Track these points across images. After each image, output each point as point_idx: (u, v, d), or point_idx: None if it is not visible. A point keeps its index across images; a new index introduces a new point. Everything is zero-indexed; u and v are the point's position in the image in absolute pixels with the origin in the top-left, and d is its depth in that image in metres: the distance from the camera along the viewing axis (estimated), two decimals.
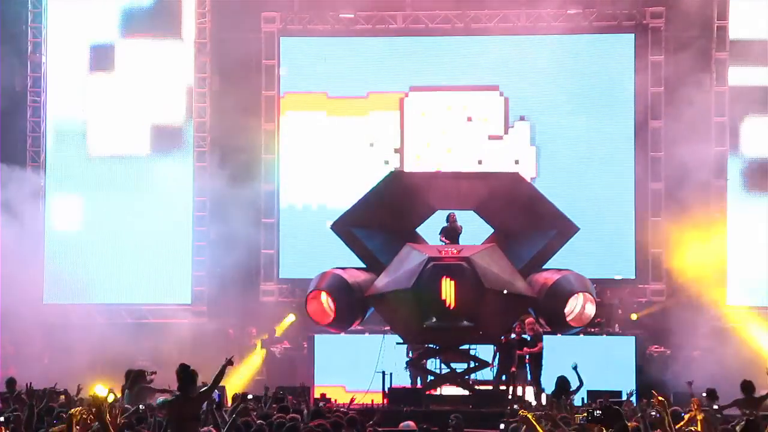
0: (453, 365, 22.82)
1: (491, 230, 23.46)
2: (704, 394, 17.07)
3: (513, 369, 22.66)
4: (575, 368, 20.39)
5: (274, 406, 15.88)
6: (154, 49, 28.38)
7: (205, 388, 12.38)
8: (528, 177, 26.32)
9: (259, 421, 13.08)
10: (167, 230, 28.00)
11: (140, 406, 13.65)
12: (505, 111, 28.25)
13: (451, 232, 23.26)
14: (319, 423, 13.10)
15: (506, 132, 28.20)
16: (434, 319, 21.28)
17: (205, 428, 12.34)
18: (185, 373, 12.39)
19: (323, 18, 28.50)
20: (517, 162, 27.84)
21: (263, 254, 28.44)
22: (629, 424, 10.70)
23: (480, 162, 28.00)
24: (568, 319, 21.84)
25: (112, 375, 23.75)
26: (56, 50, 28.58)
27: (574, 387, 20.12)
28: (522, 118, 28.11)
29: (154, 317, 27.66)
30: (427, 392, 22.49)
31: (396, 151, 28.35)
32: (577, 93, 27.81)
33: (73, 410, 10.80)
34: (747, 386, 17.37)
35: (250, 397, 16.59)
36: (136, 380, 17.89)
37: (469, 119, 28.31)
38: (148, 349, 27.12)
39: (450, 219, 23.35)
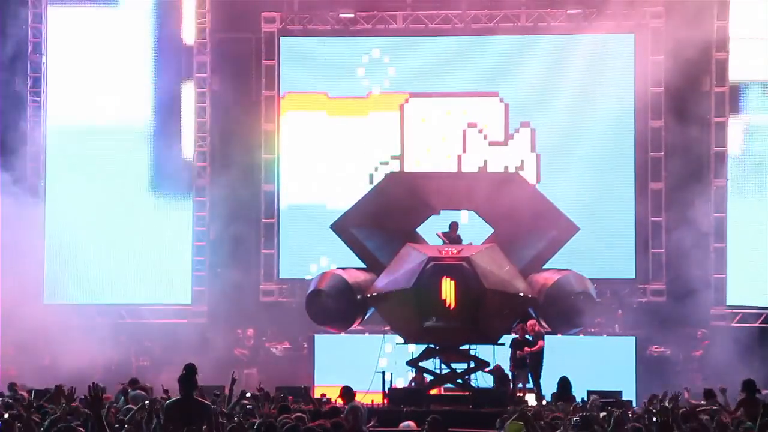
0: (453, 365, 22.80)
1: (491, 230, 23.46)
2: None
3: (512, 369, 22.68)
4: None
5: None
6: (152, 49, 28.45)
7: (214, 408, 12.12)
8: (531, 181, 26.24)
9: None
10: (167, 230, 27.99)
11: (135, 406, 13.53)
12: (505, 117, 28.18)
13: (450, 236, 23.18)
14: (319, 423, 13.09)
15: (505, 138, 28.14)
16: (434, 319, 21.25)
17: None
18: (190, 375, 12.22)
19: (323, 18, 28.51)
20: (519, 168, 27.71)
21: (263, 254, 28.42)
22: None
23: (482, 168, 27.88)
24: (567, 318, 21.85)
25: (112, 375, 23.83)
26: (56, 50, 28.57)
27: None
28: (525, 125, 28.02)
29: (154, 317, 27.63)
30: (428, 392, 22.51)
31: (396, 156, 28.28)
32: (577, 93, 27.76)
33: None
34: (749, 385, 17.12)
35: (248, 395, 16.54)
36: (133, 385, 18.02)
37: (469, 125, 28.24)
38: (148, 349, 27.19)
39: (452, 227, 23.26)
